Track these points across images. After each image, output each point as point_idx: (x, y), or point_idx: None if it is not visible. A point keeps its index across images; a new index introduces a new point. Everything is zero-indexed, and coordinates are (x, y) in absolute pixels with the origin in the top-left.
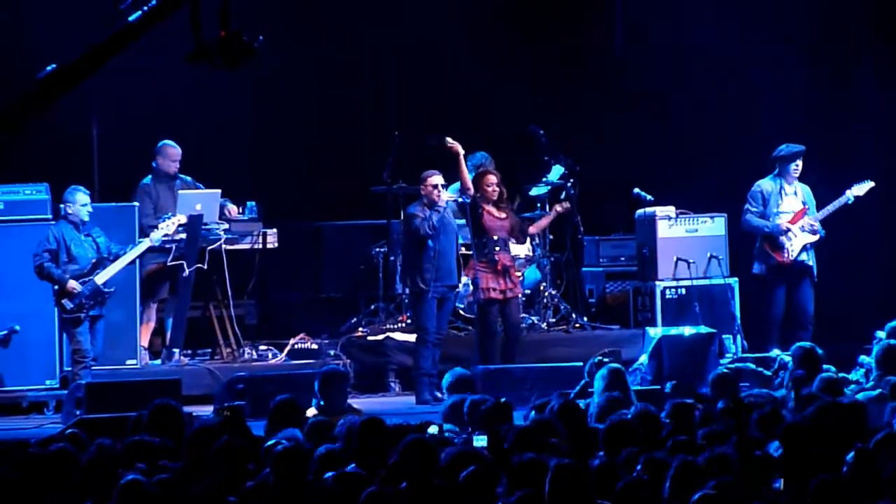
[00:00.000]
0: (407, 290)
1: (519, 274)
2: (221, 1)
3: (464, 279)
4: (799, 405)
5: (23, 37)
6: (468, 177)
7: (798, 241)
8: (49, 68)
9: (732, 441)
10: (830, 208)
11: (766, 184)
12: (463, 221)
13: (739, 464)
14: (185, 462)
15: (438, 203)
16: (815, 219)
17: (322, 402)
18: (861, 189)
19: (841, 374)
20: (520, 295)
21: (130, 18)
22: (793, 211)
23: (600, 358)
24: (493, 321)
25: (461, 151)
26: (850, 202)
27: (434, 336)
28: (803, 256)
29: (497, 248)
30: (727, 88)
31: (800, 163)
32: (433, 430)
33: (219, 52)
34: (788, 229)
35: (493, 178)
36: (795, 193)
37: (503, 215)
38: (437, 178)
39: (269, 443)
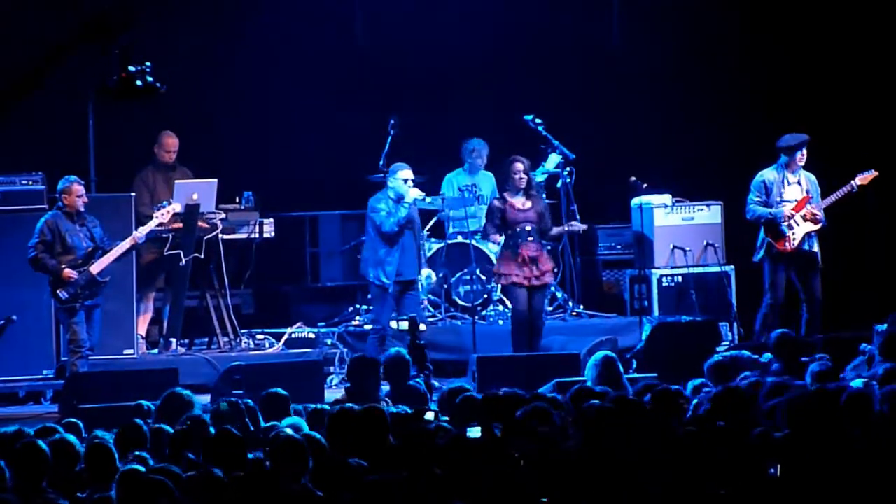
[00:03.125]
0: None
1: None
2: (122, 46)
3: (424, 272)
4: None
5: None
6: None
7: (800, 230)
8: None
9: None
10: (834, 197)
11: (768, 173)
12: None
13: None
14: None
15: (406, 199)
16: (819, 207)
17: (351, 387)
18: (865, 178)
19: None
20: (548, 284)
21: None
22: (795, 200)
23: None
24: (518, 306)
25: None
26: (854, 191)
27: (384, 331)
28: (806, 245)
29: (520, 241)
30: (724, 75)
31: (804, 151)
32: (430, 416)
33: (117, 92)
34: (791, 216)
35: (519, 166)
36: (799, 182)
37: (528, 205)
38: (408, 173)
39: (273, 433)
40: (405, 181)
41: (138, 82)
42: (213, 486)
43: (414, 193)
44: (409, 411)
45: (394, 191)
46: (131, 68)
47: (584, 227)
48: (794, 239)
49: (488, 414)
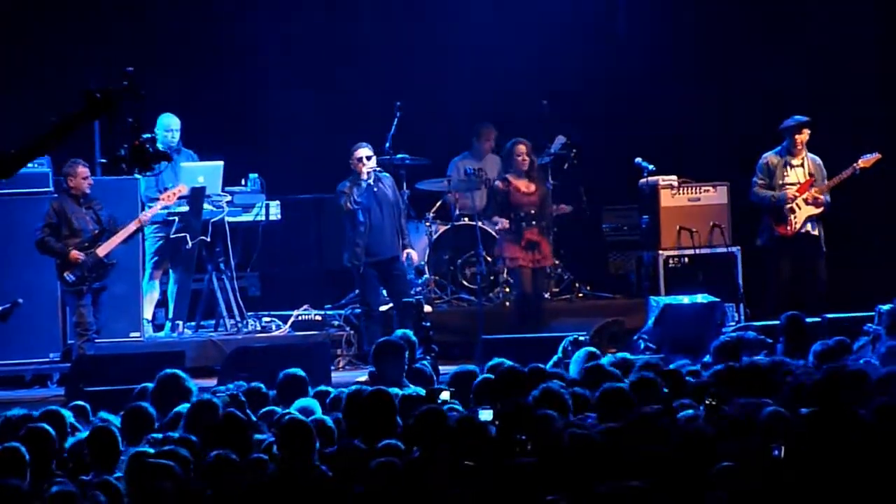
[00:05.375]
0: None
1: (550, 250)
2: (133, 113)
3: (406, 251)
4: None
5: None
6: None
7: (802, 214)
8: None
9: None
10: (836, 179)
11: (771, 156)
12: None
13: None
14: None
15: (362, 176)
16: (823, 190)
17: (375, 372)
18: (868, 161)
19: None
20: (547, 266)
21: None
22: (798, 183)
23: (576, 336)
24: (524, 288)
25: None
26: (857, 174)
27: (377, 310)
28: (807, 228)
29: (524, 224)
30: (729, 58)
31: (806, 133)
32: (445, 396)
33: (131, 160)
34: (794, 199)
35: (522, 148)
36: (802, 165)
37: (532, 188)
38: (363, 151)
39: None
40: (359, 159)
41: (149, 148)
42: (222, 469)
43: (368, 168)
44: (423, 392)
45: (354, 171)
46: (144, 136)
47: (570, 208)
48: (795, 223)
49: (501, 393)
